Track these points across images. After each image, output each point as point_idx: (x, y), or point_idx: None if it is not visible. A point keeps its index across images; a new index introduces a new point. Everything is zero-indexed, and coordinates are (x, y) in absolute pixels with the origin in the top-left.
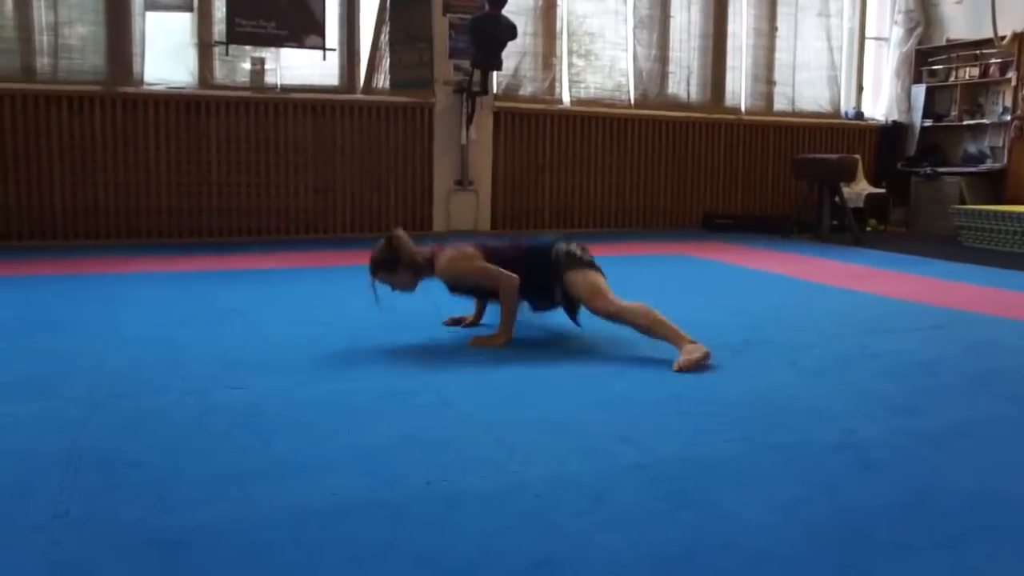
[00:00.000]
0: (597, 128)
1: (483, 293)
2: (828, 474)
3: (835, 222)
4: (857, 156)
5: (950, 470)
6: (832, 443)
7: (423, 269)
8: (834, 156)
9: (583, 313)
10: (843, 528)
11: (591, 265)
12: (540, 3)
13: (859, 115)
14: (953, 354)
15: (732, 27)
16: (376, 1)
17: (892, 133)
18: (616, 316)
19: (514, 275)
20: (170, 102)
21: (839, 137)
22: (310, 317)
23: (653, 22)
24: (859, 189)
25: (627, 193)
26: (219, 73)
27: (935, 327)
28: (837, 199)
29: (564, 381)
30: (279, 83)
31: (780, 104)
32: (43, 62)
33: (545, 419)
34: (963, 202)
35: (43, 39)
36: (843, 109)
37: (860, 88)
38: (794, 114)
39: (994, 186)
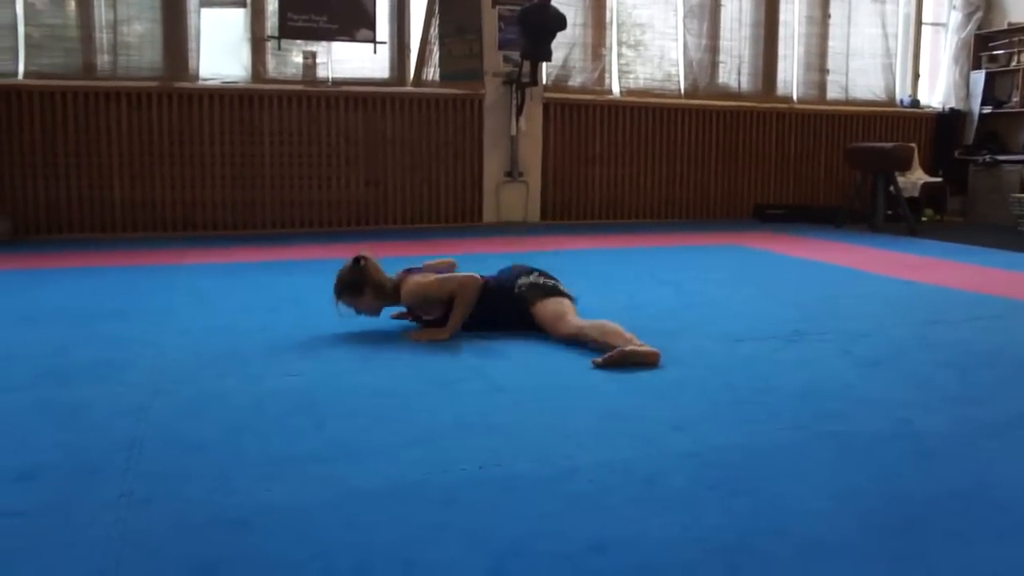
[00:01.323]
0: (647, 119)
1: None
2: (883, 463)
3: (890, 212)
4: (913, 145)
5: (1009, 461)
6: (887, 432)
7: (389, 295)
8: (889, 145)
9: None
10: (899, 517)
11: (556, 291)
12: None
13: (915, 103)
14: (1013, 345)
15: (784, 15)
16: None
17: (949, 121)
18: (574, 336)
19: (477, 276)
20: (224, 96)
21: (894, 125)
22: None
23: (703, 11)
24: (915, 178)
25: (677, 184)
26: (271, 67)
27: (995, 317)
28: (892, 188)
29: (613, 370)
30: (330, 76)
31: (833, 92)
32: (103, 59)
33: (597, 406)
34: (1023, 191)
35: (103, 37)
36: (898, 97)
37: (916, 75)
38: (847, 103)
39: None
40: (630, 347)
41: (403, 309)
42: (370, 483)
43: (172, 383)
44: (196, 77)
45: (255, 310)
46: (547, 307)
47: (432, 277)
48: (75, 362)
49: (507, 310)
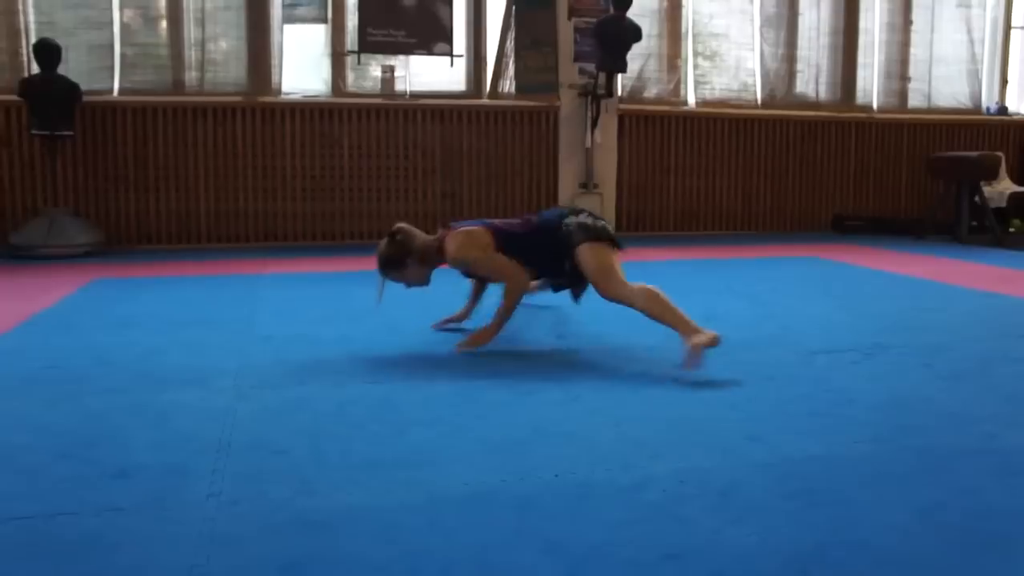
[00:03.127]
0: (723, 129)
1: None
2: (966, 478)
3: (974, 223)
4: (1000, 153)
5: None
6: (971, 447)
7: (433, 258)
8: (974, 154)
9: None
10: (982, 532)
11: (603, 236)
12: (665, 4)
13: (1002, 110)
14: None
15: (864, 23)
16: (502, 7)
17: None
18: (623, 301)
19: (523, 275)
20: (305, 110)
21: (979, 134)
22: (440, 315)
23: (781, 20)
24: (1001, 188)
25: (753, 195)
26: (351, 81)
27: None
28: (977, 199)
29: (690, 379)
30: (408, 90)
31: (915, 101)
32: (191, 76)
33: (672, 416)
34: None
35: (191, 54)
36: (984, 104)
37: (1004, 81)
38: (930, 111)
39: None
40: (701, 344)
41: (444, 317)
42: (450, 489)
43: (256, 389)
44: (278, 92)
45: (335, 320)
46: (593, 253)
47: (487, 248)
48: (165, 367)
49: (547, 247)
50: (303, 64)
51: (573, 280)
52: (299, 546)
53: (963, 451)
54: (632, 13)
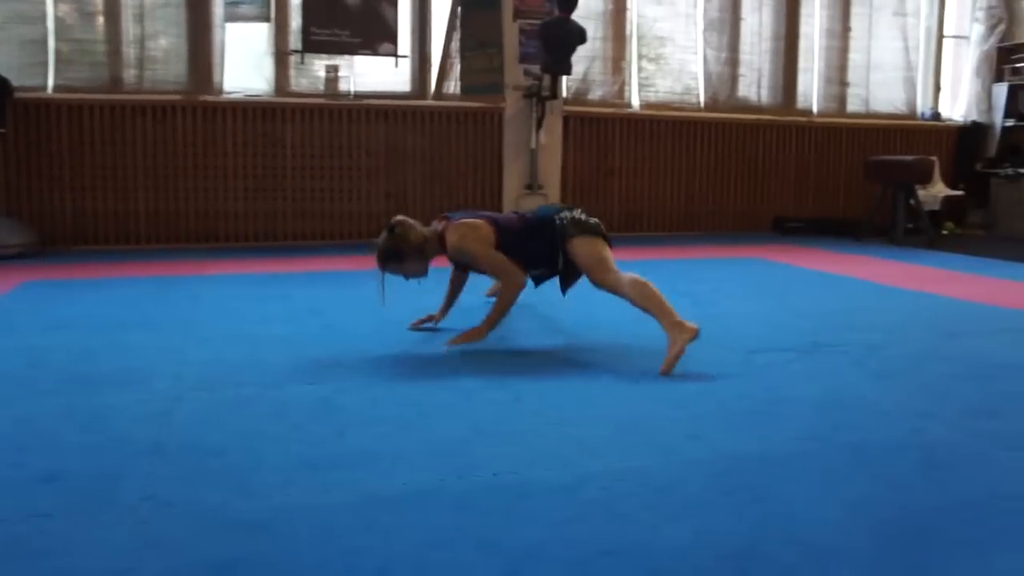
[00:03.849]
0: (666, 132)
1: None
2: (896, 473)
3: (910, 225)
4: (934, 158)
5: (1023, 471)
6: (901, 443)
7: (432, 249)
8: (910, 158)
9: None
10: (911, 526)
11: (597, 232)
12: (610, 7)
13: (936, 116)
14: None
15: (804, 28)
16: (447, 8)
17: (971, 134)
18: (614, 290)
19: (520, 274)
20: (247, 110)
21: (915, 138)
22: (383, 317)
23: (724, 24)
24: (935, 191)
25: (697, 197)
26: (294, 81)
27: (1014, 330)
28: (912, 202)
29: (633, 380)
30: (352, 90)
31: (853, 105)
32: (129, 73)
33: (613, 416)
34: None
35: (130, 51)
36: (919, 110)
37: (938, 88)
38: (868, 115)
39: None
40: (678, 345)
41: (419, 318)
42: (388, 489)
43: (194, 390)
44: (220, 91)
45: (276, 321)
46: (586, 245)
47: (483, 247)
48: (100, 369)
49: (542, 241)
50: (245, 63)
51: (565, 273)
52: (234, 548)
53: (893, 447)
54: (577, 16)
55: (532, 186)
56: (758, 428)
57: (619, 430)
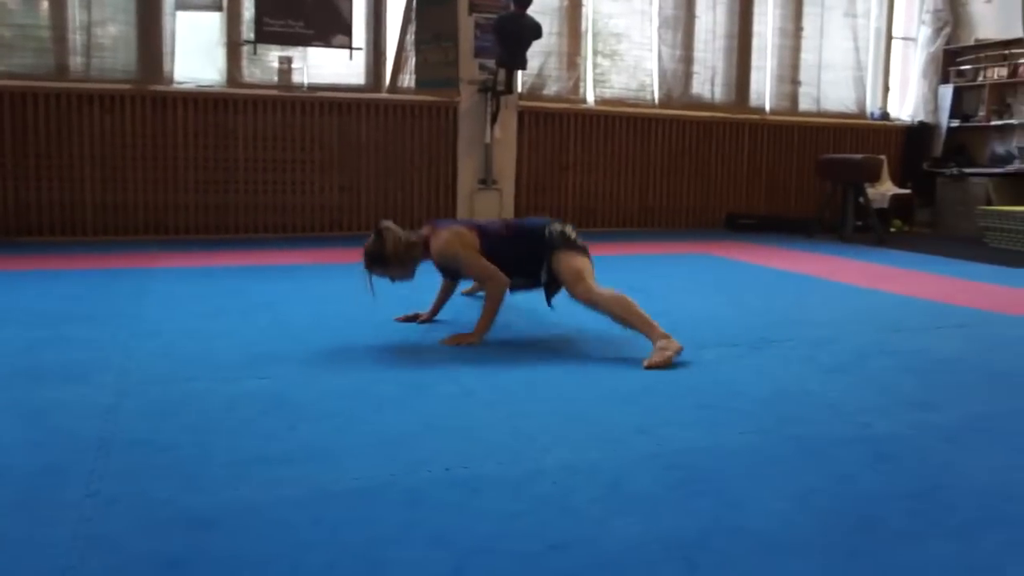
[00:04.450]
0: (621, 128)
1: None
2: (842, 465)
3: (859, 223)
4: (882, 157)
5: (963, 463)
6: (847, 436)
7: (418, 254)
8: (859, 156)
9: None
10: (854, 516)
11: (582, 249)
12: (565, 3)
13: (885, 115)
14: (974, 352)
15: (757, 27)
16: (402, 1)
17: (918, 134)
18: (593, 303)
19: (505, 277)
20: (199, 100)
21: (864, 137)
22: (335, 311)
23: (678, 22)
24: (884, 190)
25: (650, 193)
26: (247, 72)
27: (957, 326)
28: (861, 200)
29: (584, 374)
30: (306, 82)
31: (805, 104)
32: (76, 61)
33: (564, 410)
34: (989, 203)
35: (76, 38)
36: (869, 109)
37: (886, 88)
38: (819, 114)
39: (1021, 187)
40: (669, 348)
41: (407, 314)
42: (339, 484)
43: (141, 385)
44: (170, 80)
45: (227, 314)
46: (570, 259)
47: (468, 252)
48: (43, 364)
49: (527, 251)
50: (197, 53)
51: (549, 284)
52: (181, 544)
53: (839, 440)
54: (533, 11)
55: (486, 181)
56: (707, 422)
57: (570, 424)
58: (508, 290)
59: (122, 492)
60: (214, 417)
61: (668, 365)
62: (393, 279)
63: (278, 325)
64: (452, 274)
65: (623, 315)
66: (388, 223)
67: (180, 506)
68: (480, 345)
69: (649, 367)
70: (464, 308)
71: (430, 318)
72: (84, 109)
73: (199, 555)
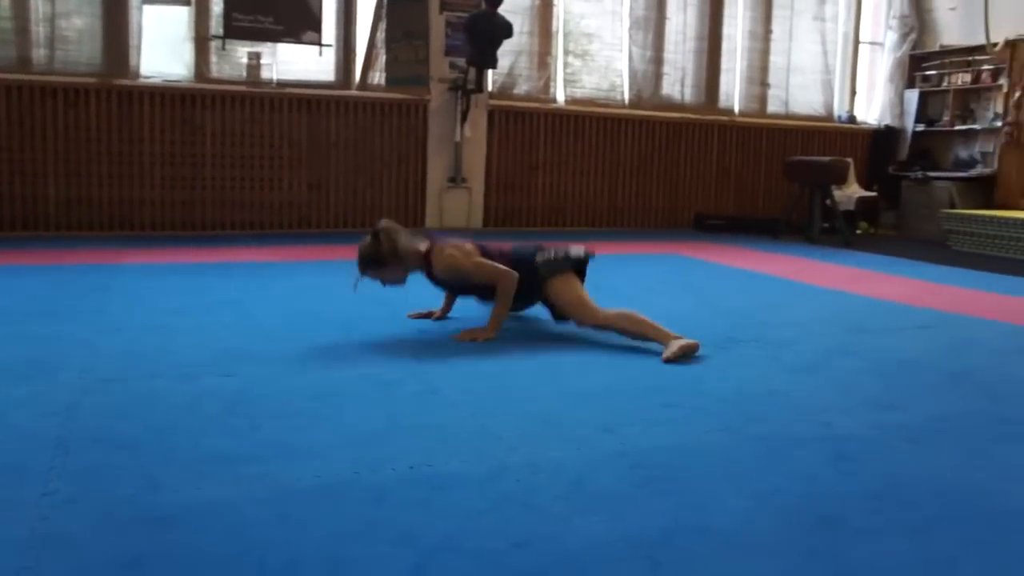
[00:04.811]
0: (591, 128)
1: (473, 291)
2: (804, 464)
3: (826, 224)
4: (849, 159)
5: (923, 462)
6: (809, 435)
7: (413, 263)
8: (826, 159)
9: None
10: (815, 515)
11: (564, 265)
12: (537, 2)
13: (852, 119)
14: (935, 353)
15: (727, 30)
16: None
17: (884, 137)
18: (603, 326)
19: (513, 271)
20: (166, 95)
21: (832, 140)
22: (302, 309)
23: (649, 23)
24: (850, 192)
25: (620, 193)
26: (215, 67)
27: (920, 327)
28: (828, 202)
29: (550, 372)
30: (275, 78)
31: (773, 106)
32: (39, 53)
33: (529, 409)
34: (953, 207)
35: (39, 30)
36: (836, 113)
37: (853, 92)
38: (787, 117)
39: (984, 191)
40: (683, 341)
41: (420, 310)
42: (302, 482)
43: (103, 382)
44: (137, 75)
45: (192, 311)
46: (564, 287)
47: (471, 260)
48: (3, 361)
49: (526, 286)
50: (164, 47)
51: (550, 309)
52: (141, 543)
53: (802, 439)
54: (504, 10)
55: (456, 179)
56: (672, 421)
57: (535, 423)
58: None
59: (81, 491)
60: (176, 415)
61: (682, 358)
62: (384, 283)
63: (243, 322)
64: (456, 288)
65: (634, 328)
66: (387, 223)
67: (141, 505)
68: (478, 342)
69: (667, 360)
70: (476, 304)
71: (443, 315)
72: (47, 103)
73: (161, 554)
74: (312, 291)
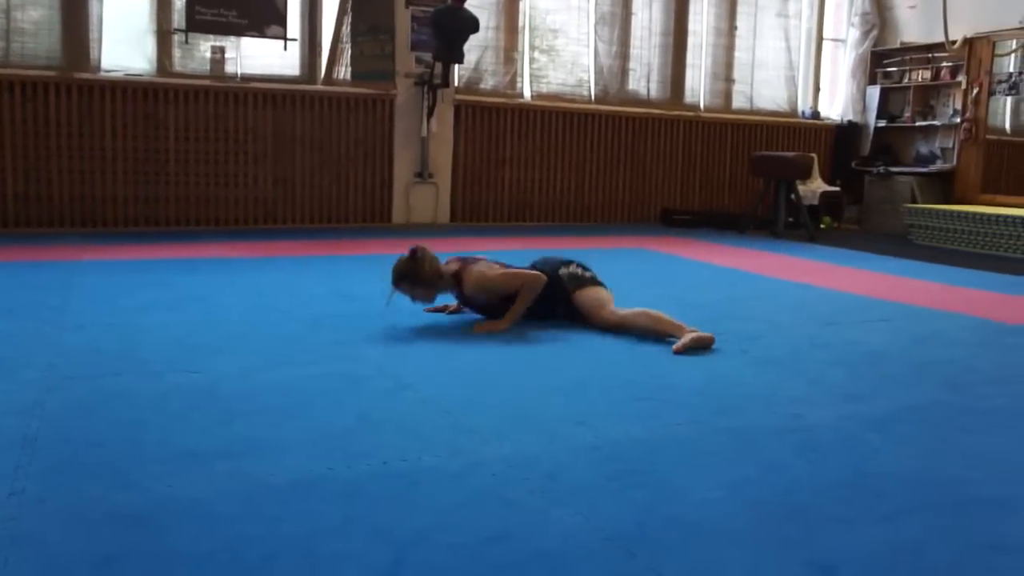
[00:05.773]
0: (557, 123)
1: (501, 306)
2: (774, 455)
3: (791, 219)
4: (813, 155)
5: (890, 452)
6: (779, 427)
7: (445, 283)
8: (791, 154)
9: None
10: (787, 505)
11: (594, 281)
12: None
13: (815, 114)
14: (899, 345)
15: (693, 25)
16: None
17: (847, 133)
18: (622, 325)
19: (542, 274)
20: (127, 89)
21: (796, 136)
22: (269, 305)
23: (615, 19)
24: (814, 187)
25: (586, 188)
26: (178, 61)
27: (883, 320)
28: (793, 196)
29: (522, 367)
30: (239, 72)
31: (739, 102)
32: None
33: (502, 403)
34: (914, 201)
35: None
36: (800, 108)
37: (817, 88)
38: (752, 112)
39: (944, 186)
40: (696, 333)
41: (438, 303)
42: (276, 477)
43: (68, 380)
44: (97, 68)
45: (157, 308)
46: (589, 295)
47: (498, 271)
48: None
49: (550, 295)
50: (126, 40)
51: (571, 319)
52: (114, 541)
53: (772, 430)
54: (470, 5)
55: (423, 174)
56: (644, 414)
57: (507, 417)
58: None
59: (50, 490)
60: (145, 412)
61: (691, 349)
62: (415, 299)
63: (210, 319)
64: (485, 307)
65: (652, 325)
66: (423, 246)
67: (112, 503)
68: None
69: (676, 351)
70: None
71: (458, 309)
72: (3, 96)
73: (133, 553)
74: (278, 287)
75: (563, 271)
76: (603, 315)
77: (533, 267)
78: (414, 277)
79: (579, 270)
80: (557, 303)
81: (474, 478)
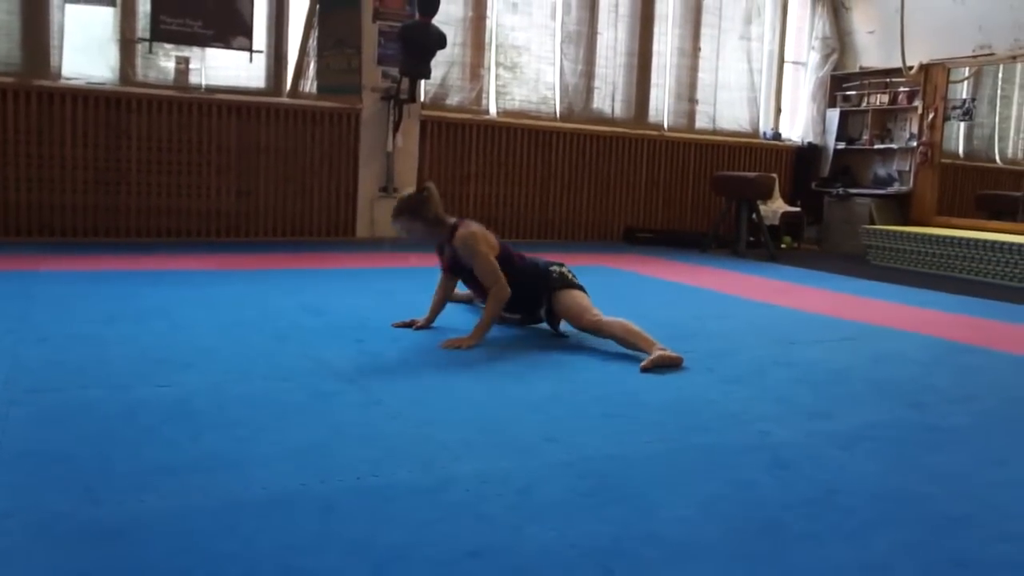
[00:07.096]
0: (522, 140)
1: (470, 280)
2: (743, 472)
3: (752, 238)
4: (774, 175)
5: (856, 468)
6: (748, 444)
7: (442, 230)
8: (752, 174)
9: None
10: (757, 521)
11: (579, 286)
12: (470, 14)
13: (777, 136)
14: (861, 364)
15: (657, 46)
16: (306, 4)
17: (807, 154)
18: (599, 329)
19: (507, 288)
20: (89, 97)
21: (757, 156)
22: (235, 318)
23: (580, 38)
24: (775, 207)
25: (550, 205)
26: (141, 71)
27: (845, 339)
28: (754, 216)
29: (492, 383)
30: (203, 83)
31: (701, 122)
32: None
33: (474, 419)
34: (872, 222)
35: None
36: (762, 129)
37: (778, 110)
38: (715, 132)
39: (901, 208)
40: (662, 352)
41: (403, 320)
42: (249, 492)
43: (31, 393)
44: (58, 75)
45: (121, 320)
46: (571, 297)
47: (486, 249)
48: None
49: (531, 286)
50: (88, 48)
51: (548, 318)
52: (84, 558)
53: (740, 447)
54: (437, 20)
55: (387, 189)
56: (614, 431)
57: (479, 433)
58: (521, 324)
59: (15, 505)
60: (112, 426)
61: (657, 367)
62: (409, 234)
63: (175, 332)
64: (458, 269)
65: (625, 336)
66: (432, 186)
67: (81, 518)
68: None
69: (643, 369)
70: (458, 315)
71: (426, 324)
72: None
73: (106, 569)
74: (244, 300)
75: (554, 268)
76: (583, 316)
77: (523, 259)
78: (417, 211)
79: (569, 273)
80: (541, 298)
81: (448, 493)
